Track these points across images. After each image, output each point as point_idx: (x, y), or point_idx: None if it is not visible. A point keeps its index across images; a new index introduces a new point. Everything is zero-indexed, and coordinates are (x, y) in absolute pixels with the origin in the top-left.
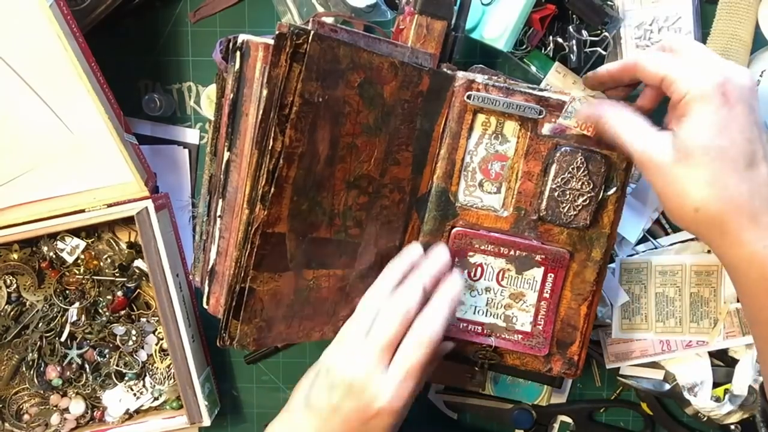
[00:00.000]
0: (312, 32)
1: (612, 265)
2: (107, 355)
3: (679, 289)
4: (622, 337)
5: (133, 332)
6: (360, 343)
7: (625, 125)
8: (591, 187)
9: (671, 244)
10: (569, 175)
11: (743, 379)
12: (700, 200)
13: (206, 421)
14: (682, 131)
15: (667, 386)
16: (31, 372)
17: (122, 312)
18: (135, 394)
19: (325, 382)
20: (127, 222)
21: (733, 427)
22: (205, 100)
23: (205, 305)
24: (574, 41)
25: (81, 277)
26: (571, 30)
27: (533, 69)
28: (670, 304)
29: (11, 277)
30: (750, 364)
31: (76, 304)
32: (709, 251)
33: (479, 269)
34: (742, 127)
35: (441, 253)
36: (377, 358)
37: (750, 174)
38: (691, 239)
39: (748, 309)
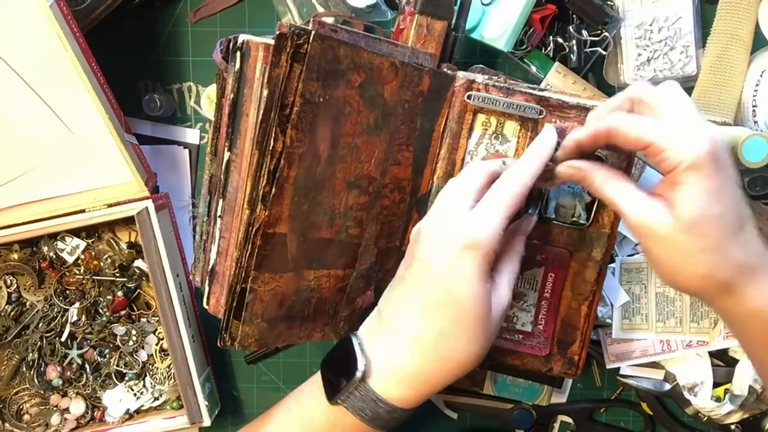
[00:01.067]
0: (313, 32)
1: (612, 265)
2: (107, 355)
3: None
4: (623, 337)
5: (133, 332)
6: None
7: (620, 191)
8: None
9: None
10: None
11: (743, 379)
12: (708, 268)
13: (206, 421)
14: (681, 201)
15: (668, 386)
16: (32, 372)
17: (122, 312)
18: (135, 394)
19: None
20: (127, 222)
21: (733, 427)
22: (205, 100)
23: (205, 305)
24: (574, 41)
25: (81, 277)
26: (571, 30)
27: (533, 69)
28: (670, 304)
29: (11, 277)
30: (749, 365)
31: (77, 304)
32: None
33: None
34: (732, 192)
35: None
36: (463, 200)
37: (743, 235)
38: None
39: (757, 359)
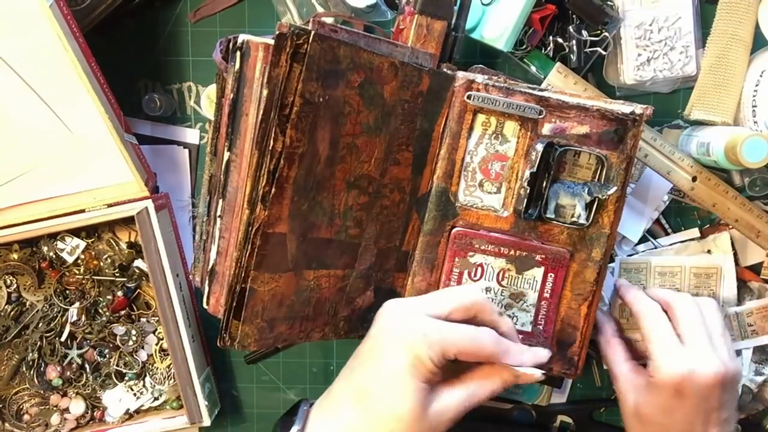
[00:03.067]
0: (312, 32)
1: (612, 265)
2: (107, 355)
3: (678, 290)
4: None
5: (133, 332)
6: None
7: (614, 356)
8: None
9: (671, 244)
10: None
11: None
12: None
13: (206, 421)
14: (640, 398)
15: None
16: (31, 372)
17: (122, 312)
18: (135, 394)
19: None
20: (127, 222)
21: None
22: (205, 100)
23: (205, 305)
24: (574, 41)
25: (81, 277)
26: (571, 30)
27: (533, 69)
28: None
29: (11, 277)
30: (746, 365)
31: (76, 304)
32: (709, 251)
33: (479, 269)
34: (687, 417)
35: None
36: (433, 306)
37: None
38: (691, 239)
39: None
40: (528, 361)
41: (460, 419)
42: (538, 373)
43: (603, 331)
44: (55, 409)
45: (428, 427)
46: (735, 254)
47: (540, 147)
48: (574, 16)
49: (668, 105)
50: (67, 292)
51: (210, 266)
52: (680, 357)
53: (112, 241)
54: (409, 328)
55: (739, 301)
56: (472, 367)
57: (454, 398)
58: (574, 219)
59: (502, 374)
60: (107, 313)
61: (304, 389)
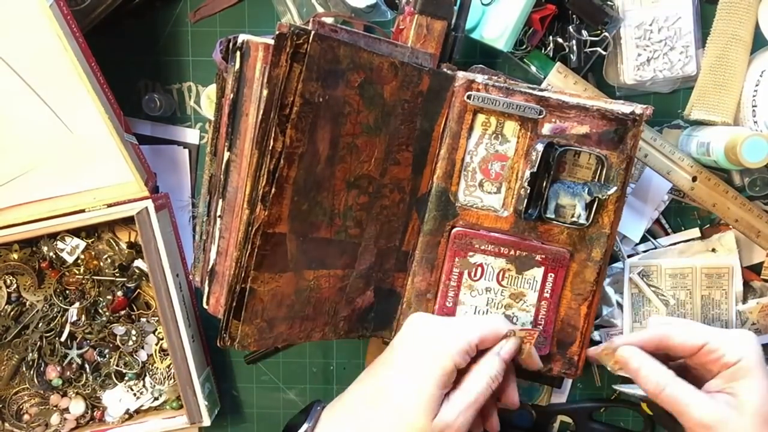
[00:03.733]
0: (312, 32)
1: (617, 265)
2: (107, 355)
3: (690, 291)
4: None
5: (133, 332)
6: None
7: (682, 392)
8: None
9: (672, 244)
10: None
11: None
12: None
13: (206, 421)
14: (751, 396)
15: None
16: (31, 372)
17: (122, 312)
18: (135, 394)
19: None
20: (127, 222)
21: None
22: (205, 100)
23: (205, 305)
24: (574, 41)
25: (81, 277)
26: (571, 30)
27: (533, 69)
28: (681, 307)
29: (11, 277)
30: None
31: (76, 304)
32: (713, 250)
33: (479, 269)
34: None
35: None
36: (453, 353)
37: None
38: (692, 239)
39: None
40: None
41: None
42: (539, 362)
43: (650, 378)
44: (55, 409)
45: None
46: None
47: (540, 147)
48: (574, 16)
49: (668, 105)
50: (67, 292)
51: (210, 266)
52: (741, 336)
53: (112, 241)
54: (437, 337)
55: (744, 299)
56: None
57: (460, 400)
58: (574, 219)
59: (490, 362)
60: (107, 313)
61: (304, 389)
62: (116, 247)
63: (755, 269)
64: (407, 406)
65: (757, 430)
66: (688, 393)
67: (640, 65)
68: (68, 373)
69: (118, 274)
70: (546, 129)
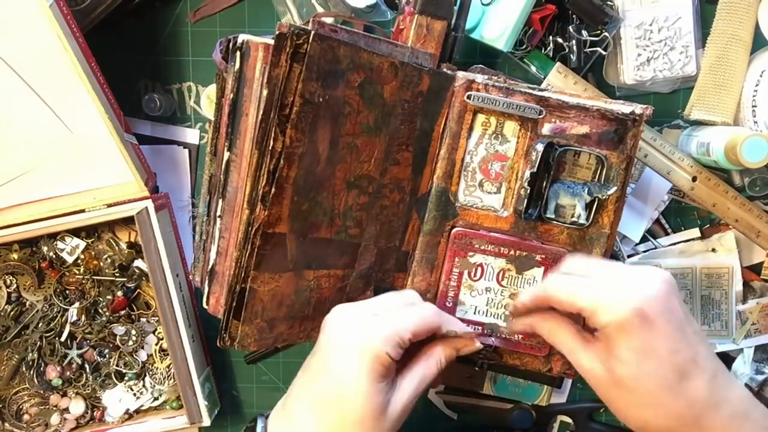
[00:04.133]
0: (312, 32)
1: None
2: (107, 355)
3: (690, 291)
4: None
5: (133, 332)
6: None
7: (563, 341)
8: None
9: (672, 244)
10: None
11: (739, 378)
12: (642, 421)
13: (206, 421)
14: (611, 357)
15: None
16: (31, 372)
17: (122, 312)
18: (135, 394)
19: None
20: (127, 222)
21: None
22: (205, 100)
23: (205, 305)
24: (574, 41)
25: (81, 277)
26: (571, 30)
27: (533, 69)
28: None
29: (11, 277)
30: (747, 364)
31: (76, 304)
32: (713, 250)
33: (479, 269)
34: (667, 343)
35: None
36: (374, 306)
37: (685, 385)
38: (692, 239)
39: None
40: (462, 329)
41: (415, 406)
42: (478, 343)
43: (542, 328)
44: (55, 409)
45: (390, 421)
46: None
47: (540, 147)
48: (574, 16)
49: (668, 105)
50: (67, 292)
51: (210, 266)
52: (617, 289)
53: (112, 241)
54: (362, 332)
55: (743, 299)
56: (413, 353)
57: (408, 387)
58: (574, 219)
59: (445, 350)
60: (107, 313)
61: None
62: (116, 247)
63: (755, 269)
64: (351, 406)
65: (616, 393)
66: (568, 344)
67: (640, 65)
68: (68, 373)
69: (118, 274)
70: (546, 129)
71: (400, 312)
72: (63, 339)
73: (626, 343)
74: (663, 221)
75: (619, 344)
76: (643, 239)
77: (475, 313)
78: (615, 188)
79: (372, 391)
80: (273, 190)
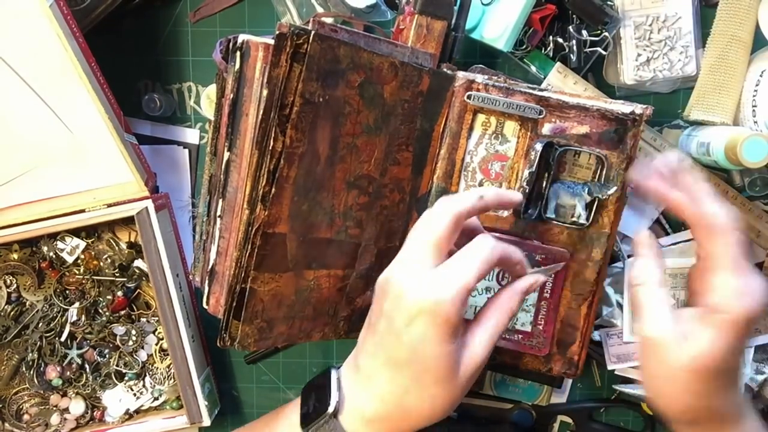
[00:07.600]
0: (312, 32)
1: (618, 265)
2: (107, 355)
3: None
4: (634, 341)
5: (133, 332)
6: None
7: (653, 301)
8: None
9: (672, 244)
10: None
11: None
12: (691, 407)
13: (206, 421)
14: (703, 343)
15: None
16: (31, 372)
17: (122, 312)
18: (135, 394)
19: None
20: (127, 222)
21: None
22: (205, 100)
23: (205, 305)
24: (574, 41)
25: (81, 277)
26: (571, 30)
27: (533, 69)
28: (681, 306)
29: (11, 277)
30: (746, 364)
31: (76, 304)
32: None
33: None
34: (744, 351)
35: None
36: (427, 253)
37: (733, 389)
38: (692, 239)
39: None
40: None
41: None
42: (542, 276)
43: (646, 273)
44: (55, 409)
45: (466, 377)
46: None
47: (540, 147)
48: (574, 16)
49: (668, 105)
50: (67, 292)
51: (210, 266)
52: (749, 289)
53: (112, 241)
54: (428, 294)
55: None
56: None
57: (480, 340)
58: (574, 219)
59: (512, 299)
60: (107, 313)
61: None
62: (116, 247)
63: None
64: (428, 367)
65: (683, 377)
66: (656, 306)
67: (640, 65)
68: (68, 373)
69: (118, 274)
70: (546, 129)
71: (461, 261)
72: (63, 339)
73: (729, 338)
74: (663, 221)
75: (721, 335)
76: None
77: (475, 313)
78: (615, 188)
79: (445, 352)
80: (273, 190)
